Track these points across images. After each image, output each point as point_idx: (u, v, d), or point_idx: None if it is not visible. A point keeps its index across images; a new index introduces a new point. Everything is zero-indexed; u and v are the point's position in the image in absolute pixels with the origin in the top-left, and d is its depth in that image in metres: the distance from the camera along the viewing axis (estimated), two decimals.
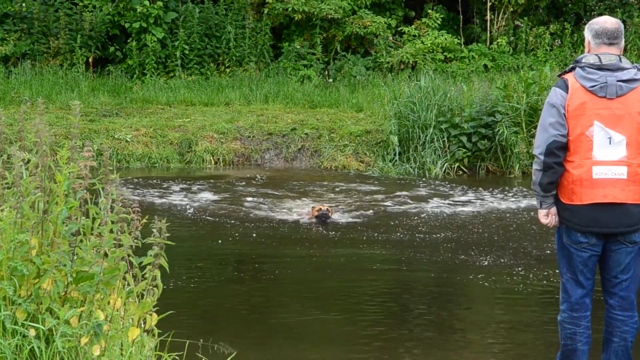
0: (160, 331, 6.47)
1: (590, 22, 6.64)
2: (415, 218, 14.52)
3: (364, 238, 13.16)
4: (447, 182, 17.90)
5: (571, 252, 6.53)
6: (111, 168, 6.12)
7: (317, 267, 11.74)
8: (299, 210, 14.48)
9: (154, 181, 17.44)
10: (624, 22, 26.27)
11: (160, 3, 24.82)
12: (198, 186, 17.24)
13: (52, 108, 21.06)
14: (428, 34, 25.75)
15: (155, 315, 6.29)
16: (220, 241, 12.85)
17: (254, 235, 13.23)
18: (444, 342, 8.89)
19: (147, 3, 24.75)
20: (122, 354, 5.98)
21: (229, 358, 6.85)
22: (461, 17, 27.43)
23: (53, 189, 5.88)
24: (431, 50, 25.41)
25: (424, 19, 26.40)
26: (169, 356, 6.43)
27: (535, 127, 8.23)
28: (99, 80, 24.26)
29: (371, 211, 15.05)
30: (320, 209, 13.59)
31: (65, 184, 5.84)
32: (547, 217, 6.59)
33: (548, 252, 12.24)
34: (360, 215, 14.68)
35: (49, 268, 5.73)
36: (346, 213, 14.78)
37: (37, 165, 5.97)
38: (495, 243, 12.92)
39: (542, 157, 6.42)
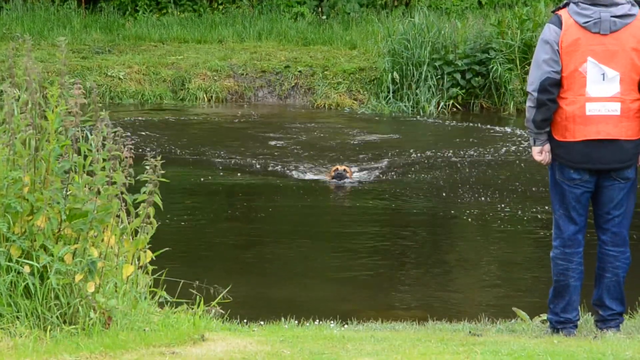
0: (158, 265, 6.49)
1: None
2: (409, 157, 14.53)
3: (356, 179, 13.16)
4: (441, 120, 17.90)
5: (564, 189, 6.53)
6: (102, 105, 6.10)
7: (309, 206, 11.78)
8: (311, 167, 14.00)
9: (146, 118, 17.41)
10: None
11: None
12: (190, 123, 17.23)
13: (44, 45, 20.91)
14: None
15: (149, 253, 6.31)
16: (203, 179, 12.86)
17: (239, 174, 13.24)
18: (436, 279, 8.96)
19: None
20: (116, 291, 6.01)
21: (221, 295, 6.89)
22: None
23: (44, 126, 5.86)
24: None
25: None
26: (164, 293, 6.46)
27: (530, 64, 8.20)
28: (91, 17, 24.06)
29: (365, 152, 15.06)
30: (337, 169, 13.01)
31: (56, 122, 5.83)
32: (541, 154, 6.58)
33: (541, 189, 12.27)
34: (353, 155, 14.69)
35: (42, 205, 5.74)
36: (340, 154, 14.79)
37: (28, 103, 5.94)
38: (488, 181, 12.96)
39: (535, 94, 6.39)
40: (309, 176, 13.30)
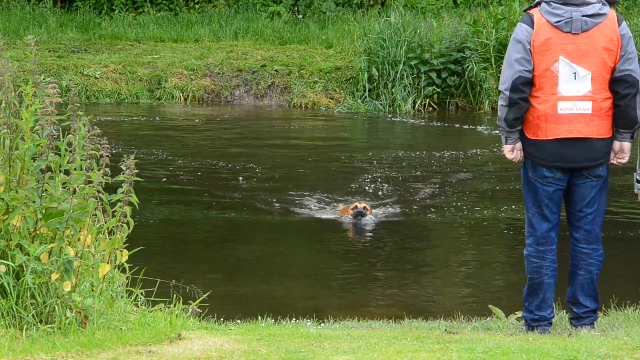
0: (134, 264, 6.49)
1: None
2: (384, 157, 14.56)
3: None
4: (416, 119, 17.95)
5: (537, 187, 6.58)
6: (79, 104, 6.10)
7: (286, 205, 11.78)
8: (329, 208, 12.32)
9: (122, 117, 17.38)
10: None
11: None
12: (165, 123, 17.21)
13: (20, 44, 20.82)
14: None
15: (125, 252, 6.31)
16: (178, 178, 12.85)
17: (215, 173, 13.23)
18: (412, 278, 8.99)
19: None
20: (92, 290, 6.01)
21: (199, 296, 6.91)
22: None
23: (20, 125, 5.86)
24: None
25: None
26: (140, 292, 6.47)
27: None
28: (67, 15, 23.97)
29: (338, 151, 15.09)
30: (356, 207, 11.33)
31: (31, 121, 5.82)
32: (513, 152, 6.63)
33: (514, 187, 12.32)
34: (326, 152, 14.72)
35: (18, 204, 5.73)
36: (311, 152, 14.81)
37: (1, 102, 5.93)
38: (462, 180, 13.00)
39: (507, 93, 6.44)
40: (283, 177, 13.29)
